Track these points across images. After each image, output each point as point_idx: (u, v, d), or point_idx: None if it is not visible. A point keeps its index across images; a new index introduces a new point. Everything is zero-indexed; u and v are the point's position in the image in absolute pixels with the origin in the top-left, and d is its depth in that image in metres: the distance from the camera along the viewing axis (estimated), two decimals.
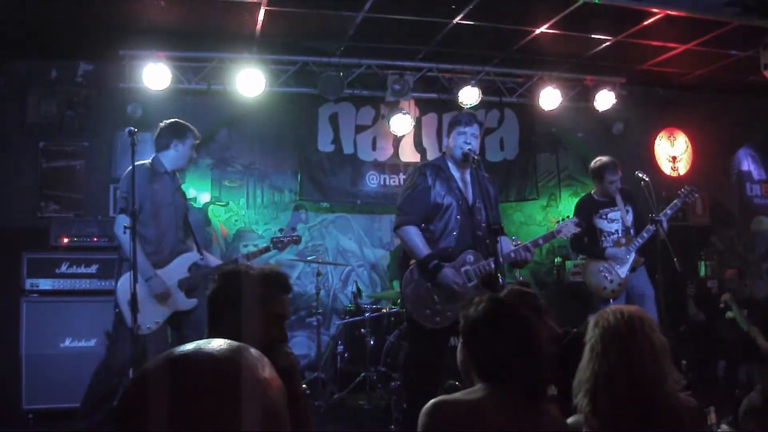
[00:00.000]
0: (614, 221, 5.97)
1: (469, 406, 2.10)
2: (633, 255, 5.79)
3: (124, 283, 4.58)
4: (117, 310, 4.61)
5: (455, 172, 4.66)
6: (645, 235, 5.69)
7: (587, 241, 6.00)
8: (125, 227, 4.36)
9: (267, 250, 5.21)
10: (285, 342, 2.56)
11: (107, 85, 6.59)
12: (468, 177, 4.70)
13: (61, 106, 6.59)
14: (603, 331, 2.20)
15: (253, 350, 1.06)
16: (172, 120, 4.98)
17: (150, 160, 4.86)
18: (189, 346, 1.03)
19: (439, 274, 4.38)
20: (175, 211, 4.86)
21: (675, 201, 5.86)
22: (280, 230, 5.36)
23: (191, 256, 4.90)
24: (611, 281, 5.79)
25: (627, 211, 5.95)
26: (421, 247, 4.47)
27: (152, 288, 4.58)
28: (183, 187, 7.00)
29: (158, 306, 4.60)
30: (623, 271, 5.79)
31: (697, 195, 6.02)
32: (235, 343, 1.05)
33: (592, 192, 6.18)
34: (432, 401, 2.14)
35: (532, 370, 2.18)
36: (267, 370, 1.03)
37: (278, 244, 5.20)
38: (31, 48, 6.30)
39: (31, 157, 6.49)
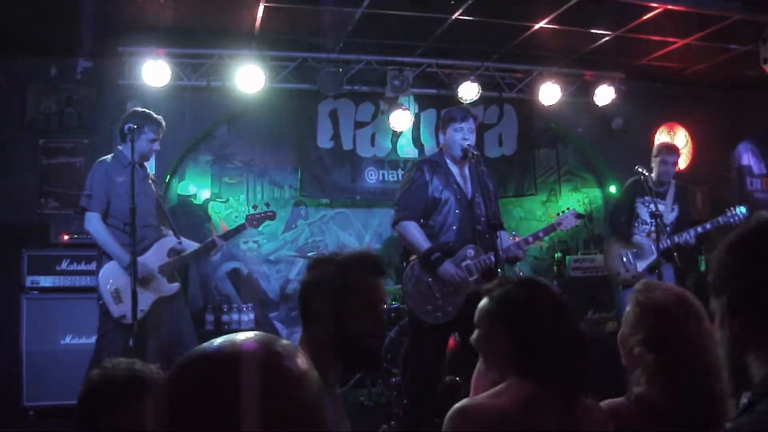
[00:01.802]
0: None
1: (499, 411, 1.86)
2: (656, 254, 5.53)
3: (104, 273, 4.60)
4: (101, 302, 4.62)
5: (453, 168, 4.66)
6: (676, 239, 5.40)
7: (624, 220, 5.96)
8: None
9: (243, 228, 5.16)
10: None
11: (107, 82, 6.57)
12: (467, 172, 4.70)
13: (61, 103, 6.58)
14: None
15: (285, 341, 1.05)
16: (132, 111, 4.92)
17: (112, 154, 4.83)
18: (219, 340, 1.02)
19: (440, 267, 4.38)
20: (145, 199, 4.80)
21: (718, 218, 5.73)
22: (254, 207, 5.32)
23: (169, 241, 4.90)
24: (627, 270, 5.76)
25: (672, 209, 5.86)
26: (422, 240, 4.47)
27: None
28: (183, 183, 7.08)
29: (142, 294, 4.53)
30: (642, 265, 5.73)
31: (742, 218, 5.76)
32: (267, 335, 1.05)
33: (650, 175, 5.81)
34: (457, 406, 1.91)
35: (579, 361, 1.96)
36: (302, 362, 1.02)
37: (253, 221, 5.17)
38: (30, 45, 6.29)
39: (30, 154, 6.48)
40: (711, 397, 2.03)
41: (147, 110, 4.91)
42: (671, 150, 5.93)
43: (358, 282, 2.19)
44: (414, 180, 4.62)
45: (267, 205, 5.31)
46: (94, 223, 4.62)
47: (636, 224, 5.91)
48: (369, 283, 2.22)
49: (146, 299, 4.63)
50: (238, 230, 5.17)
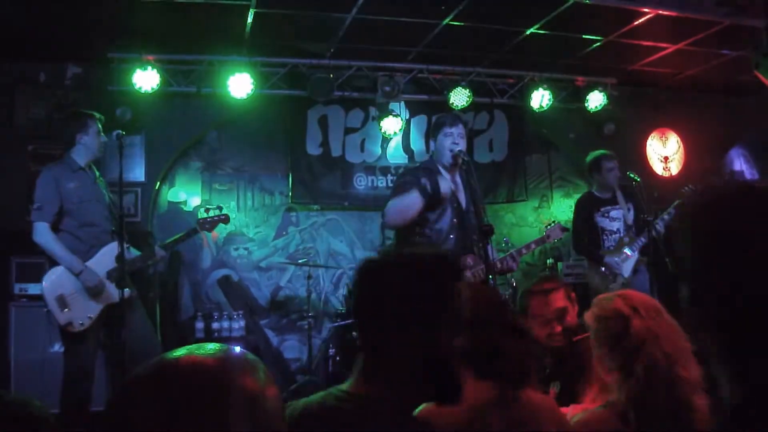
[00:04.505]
0: (616, 219, 5.93)
1: (452, 419, 1.77)
2: (636, 255, 5.74)
3: (49, 279, 4.52)
4: (46, 310, 4.52)
5: (446, 175, 4.59)
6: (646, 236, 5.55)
7: (587, 240, 5.96)
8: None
9: (195, 232, 5.03)
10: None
11: (96, 88, 6.53)
12: (458, 180, 4.64)
13: (50, 109, 6.53)
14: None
15: (248, 354, 1.03)
16: (71, 112, 4.90)
17: (61, 159, 4.77)
18: (180, 351, 0.99)
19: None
20: (99, 203, 4.75)
21: (675, 202, 5.82)
22: (206, 210, 5.22)
23: (115, 246, 4.68)
24: (617, 277, 5.74)
25: (628, 209, 5.92)
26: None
27: (84, 281, 4.49)
28: (173, 190, 7.03)
29: (90, 300, 4.50)
30: (627, 270, 5.74)
31: None
32: (229, 348, 1.02)
33: (593, 189, 6.16)
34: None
35: (519, 357, 1.92)
36: (262, 377, 1.00)
37: (205, 225, 5.06)
38: (19, 50, 6.26)
39: (19, 161, 6.41)
40: (676, 388, 2.03)
41: (81, 109, 4.88)
42: (609, 157, 6.01)
43: (453, 291, 1.71)
44: (406, 182, 4.55)
45: (219, 208, 5.21)
46: (43, 233, 4.53)
47: (604, 237, 5.94)
48: (457, 292, 1.74)
49: (94, 307, 4.54)
50: (190, 234, 5.02)
